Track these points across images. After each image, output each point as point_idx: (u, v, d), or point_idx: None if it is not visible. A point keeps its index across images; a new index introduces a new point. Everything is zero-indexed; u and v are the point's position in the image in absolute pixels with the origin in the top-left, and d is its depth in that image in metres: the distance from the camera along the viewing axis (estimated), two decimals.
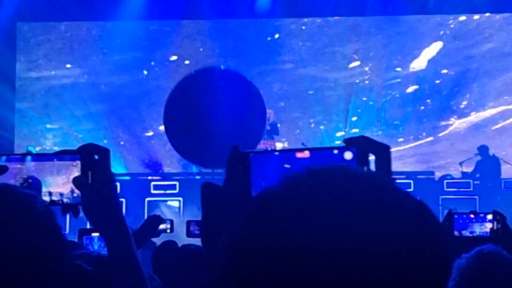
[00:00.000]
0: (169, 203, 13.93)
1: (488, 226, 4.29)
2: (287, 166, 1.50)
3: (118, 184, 1.98)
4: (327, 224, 0.95)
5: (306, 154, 1.50)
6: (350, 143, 1.47)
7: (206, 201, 1.55)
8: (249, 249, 0.98)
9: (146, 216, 13.93)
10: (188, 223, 5.64)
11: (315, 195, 0.98)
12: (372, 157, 1.43)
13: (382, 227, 0.96)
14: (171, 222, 5.38)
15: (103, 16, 16.24)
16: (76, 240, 4.33)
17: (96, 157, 1.96)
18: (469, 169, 15.67)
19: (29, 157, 2.08)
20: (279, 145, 15.68)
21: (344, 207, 0.97)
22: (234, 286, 0.99)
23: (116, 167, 15.10)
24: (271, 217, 0.99)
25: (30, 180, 2.02)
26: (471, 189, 14.47)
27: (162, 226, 5.04)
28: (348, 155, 1.46)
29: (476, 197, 14.30)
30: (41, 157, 2.09)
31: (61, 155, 2.01)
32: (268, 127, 15.59)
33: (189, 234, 5.59)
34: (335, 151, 1.48)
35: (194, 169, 16.14)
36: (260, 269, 0.96)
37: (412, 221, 0.99)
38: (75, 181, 1.95)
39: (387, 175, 1.40)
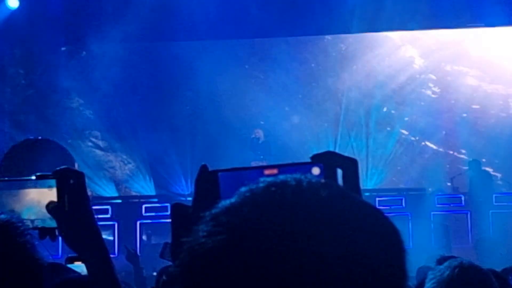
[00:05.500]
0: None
1: None
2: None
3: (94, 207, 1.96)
4: (281, 234, 0.97)
5: (274, 171, 1.51)
6: (317, 158, 1.49)
7: (176, 222, 1.53)
8: (204, 262, 0.99)
9: (138, 238, 14.04)
10: (165, 244, 5.54)
11: (269, 206, 1.00)
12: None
13: (336, 234, 0.98)
14: None
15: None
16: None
17: (72, 181, 1.94)
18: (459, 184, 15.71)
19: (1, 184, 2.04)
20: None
21: (296, 217, 0.98)
22: None
23: (108, 190, 15.07)
24: (227, 229, 1.00)
25: None
26: (463, 204, 14.49)
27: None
28: (315, 171, 1.48)
29: (468, 212, 14.33)
30: (16, 183, 2.05)
31: (36, 180, 1.98)
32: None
33: (163, 255, 5.49)
34: (303, 167, 1.50)
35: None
36: (212, 283, 0.98)
37: (366, 228, 1.01)
38: (49, 207, 1.93)
39: (354, 189, 1.42)
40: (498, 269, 4.56)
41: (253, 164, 15.06)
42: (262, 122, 16.44)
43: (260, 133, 15.78)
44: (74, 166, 10.22)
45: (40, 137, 12.58)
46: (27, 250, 1.63)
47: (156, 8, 14.90)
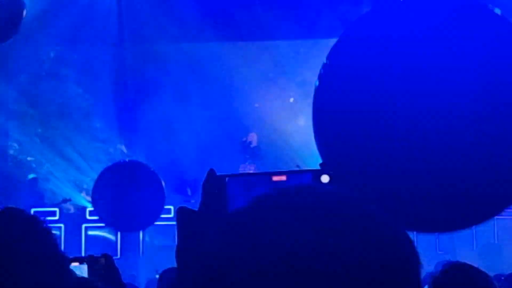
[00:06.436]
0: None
1: None
2: (263, 189, 1.50)
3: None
4: (294, 242, 0.97)
5: (283, 177, 1.51)
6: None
7: (181, 226, 1.53)
8: (221, 269, 0.99)
9: (141, 240, 14.01)
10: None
11: (282, 214, 1.00)
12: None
13: (347, 243, 0.97)
14: None
15: None
16: None
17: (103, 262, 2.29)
18: None
19: None
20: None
21: (309, 225, 0.98)
22: None
23: None
24: (241, 237, 1.00)
25: None
26: None
27: None
28: (325, 178, 1.47)
29: None
30: None
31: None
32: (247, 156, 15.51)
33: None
34: (312, 174, 1.50)
35: None
36: None
37: (377, 237, 0.99)
38: None
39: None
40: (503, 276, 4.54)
41: (241, 167, 15.08)
42: (265, 124, 16.44)
43: (253, 137, 15.77)
44: (162, 187, 10.48)
45: (127, 159, 12.81)
46: (55, 241, 1.74)
47: (160, 11, 14.98)
